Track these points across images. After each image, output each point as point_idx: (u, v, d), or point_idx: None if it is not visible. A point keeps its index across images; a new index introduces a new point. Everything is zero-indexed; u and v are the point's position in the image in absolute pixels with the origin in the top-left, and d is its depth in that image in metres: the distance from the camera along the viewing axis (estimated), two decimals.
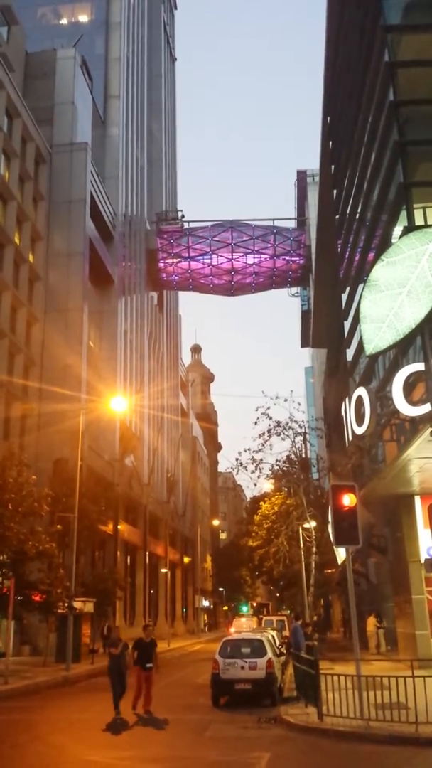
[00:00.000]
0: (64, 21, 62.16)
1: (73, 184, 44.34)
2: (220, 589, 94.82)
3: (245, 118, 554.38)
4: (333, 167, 38.78)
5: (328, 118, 38.93)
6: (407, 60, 24.45)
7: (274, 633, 22.97)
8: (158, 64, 76.95)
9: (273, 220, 62.24)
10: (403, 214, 22.07)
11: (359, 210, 30.56)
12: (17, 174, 38.98)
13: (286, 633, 29.94)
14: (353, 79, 30.56)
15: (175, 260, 62.14)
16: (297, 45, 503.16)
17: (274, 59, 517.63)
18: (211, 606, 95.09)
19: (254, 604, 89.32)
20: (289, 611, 56.26)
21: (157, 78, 75.98)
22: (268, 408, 32.67)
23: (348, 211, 34.12)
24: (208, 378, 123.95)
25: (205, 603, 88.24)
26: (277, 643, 21.05)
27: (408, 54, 24.69)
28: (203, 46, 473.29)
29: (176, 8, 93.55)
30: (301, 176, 63.10)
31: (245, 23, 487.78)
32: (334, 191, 38.77)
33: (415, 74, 24.13)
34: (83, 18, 61.33)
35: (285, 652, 21.33)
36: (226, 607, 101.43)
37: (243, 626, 38.69)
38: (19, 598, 23.64)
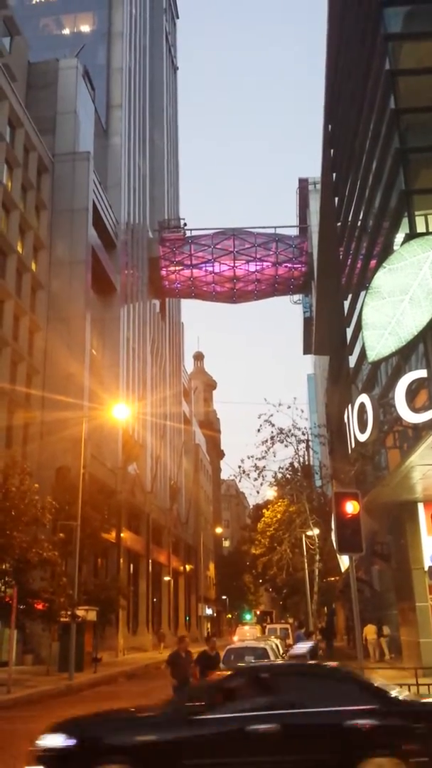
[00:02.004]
0: (66, 31, 62.57)
1: (76, 193, 44.52)
2: (224, 597, 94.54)
3: (247, 126, 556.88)
4: (334, 175, 38.88)
5: (330, 126, 39.08)
6: (408, 68, 24.56)
7: (277, 641, 22.88)
8: (160, 74, 77.38)
9: (275, 227, 62.48)
10: (405, 222, 22.12)
11: (361, 217, 30.62)
12: (20, 183, 39.17)
13: (290, 641, 29.82)
14: (354, 87, 30.68)
15: (177, 268, 62.31)
16: (298, 53, 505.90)
17: (275, 67, 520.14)
18: (215, 614, 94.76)
19: (257, 612, 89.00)
20: (292, 619, 56.06)
21: (158, 87, 76.39)
22: (271, 415, 32.63)
23: (350, 219, 34.19)
24: (211, 385, 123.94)
25: (208, 611, 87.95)
26: (281, 651, 20.97)
27: (409, 62, 24.80)
28: (205, 54, 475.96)
29: (178, 17, 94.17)
30: (303, 184, 63.27)
31: (246, 31, 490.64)
32: (336, 199, 38.86)
33: (416, 82, 24.22)
34: (85, 28, 61.72)
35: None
36: (229, 615, 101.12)
37: (246, 634, 38.49)
38: (21, 607, 23.58)
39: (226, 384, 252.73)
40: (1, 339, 35.11)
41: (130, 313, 54.48)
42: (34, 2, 63.43)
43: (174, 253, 62.07)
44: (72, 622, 26.24)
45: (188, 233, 62.92)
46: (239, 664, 16.11)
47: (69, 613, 26.30)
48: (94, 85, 52.67)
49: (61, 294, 41.97)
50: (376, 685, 7.80)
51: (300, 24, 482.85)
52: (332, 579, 36.61)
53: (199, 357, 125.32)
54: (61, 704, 19.72)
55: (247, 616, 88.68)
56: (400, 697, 7.59)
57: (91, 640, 31.28)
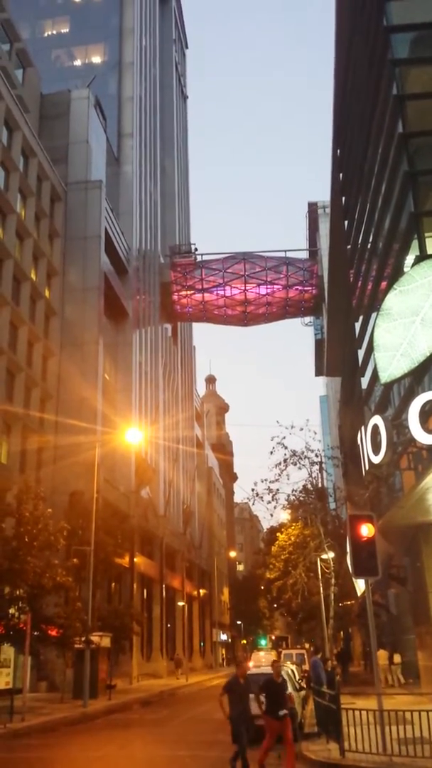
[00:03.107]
0: (77, 62, 63.81)
1: (88, 220, 45.13)
2: (238, 622, 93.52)
3: (256, 151, 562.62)
4: (344, 198, 39.18)
5: (338, 150, 39.46)
6: (415, 92, 24.83)
7: (293, 667, 22.59)
8: (170, 103, 78.62)
9: (285, 251, 62.84)
10: (415, 243, 22.22)
11: (371, 240, 30.78)
12: (33, 212, 39.77)
13: (306, 667, 29.42)
14: (362, 112, 31.04)
15: (188, 292, 62.75)
16: (306, 79, 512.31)
17: (283, 92, 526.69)
18: (229, 639, 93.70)
19: (273, 638, 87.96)
20: (308, 645, 55.35)
21: (169, 116, 77.58)
22: (284, 437, 32.59)
23: (360, 241, 34.36)
24: (223, 408, 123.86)
25: (223, 637, 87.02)
26: (297, 677, 20.69)
27: (416, 86, 25.08)
28: (214, 81, 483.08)
29: (187, 47, 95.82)
30: (312, 208, 63.75)
31: (255, 59, 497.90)
32: (346, 222, 39.10)
33: (424, 106, 24.47)
34: (96, 59, 62.92)
35: (305, 686, 20.95)
36: (244, 641, 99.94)
37: (262, 660, 38.06)
38: (35, 633, 23.49)
39: (238, 407, 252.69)
40: (15, 365, 35.41)
41: (143, 338, 54.82)
42: (45, 35, 64.86)
43: (185, 278, 62.55)
44: (86, 648, 26.07)
45: (199, 258, 63.50)
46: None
47: (83, 639, 26.14)
48: (105, 115, 53.61)
49: (74, 320, 42.39)
50: None
51: (307, 50, 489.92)
52: (348, 603, 36.22)
53: (211, 380, 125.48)
54: (76, 732, 19.55)
55: (262, 642, 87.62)
56: None
57: (106, 666, 31.06)
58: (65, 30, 64.73)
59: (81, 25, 63.47)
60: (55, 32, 65.05)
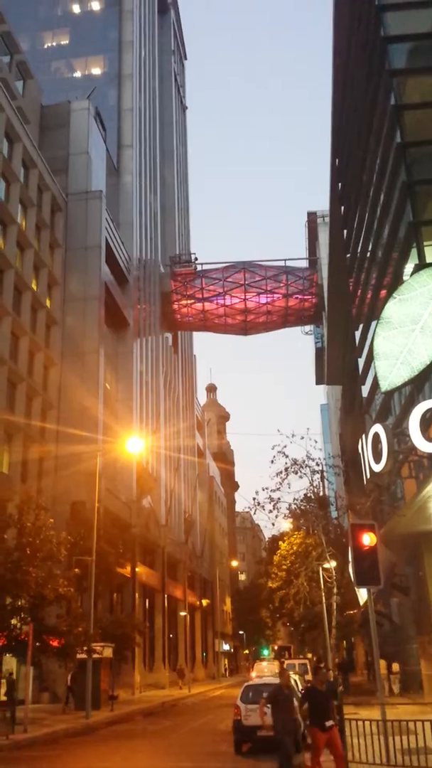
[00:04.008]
0: (77, 74, 64.21)
1: (89, 230, 45.30)
2: (241, 632, 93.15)
3: (255, 161, 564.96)
4: (343, 207, 39.34)
5: (337, 160, 39.65)
6: (413, 102, 25.00)
7: (296, 677, 22.48)
8: (169, 113, 79.06)
9: (285, 260, 62.95)
10: (414, 252, 22.31)
11: (370, 249, 30.89)
12: (34, 222, 39.93)
13: (309, 677, 29.29)
14: (360, 122, 31.21)
15: (189, 301, 62.89)
16: (304, 89, 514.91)
17: (282, 102, 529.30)
18: (232, 650, 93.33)
19: (275, 647, 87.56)
20: (311, 654, 55.10)
21: (168, 127, 77.99)
22: (285, 446, 32.59)
23: (359, 250, 34.49)
24: (224, 417, 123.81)
25: (226, 647, 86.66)
26: (300, 687, 20.60)
27: (414, 96, 25.25)
28: (213, 92, 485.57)
29: (186, 59, 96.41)
30: (312, 217, 63.94)
31: (253, 69, 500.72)
32: (345, 231, 39.25)
33: (421, 116, 24.62)
34: (96, 71, 63.32)
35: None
36: (246, 651, 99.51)
37: (264, 670, 37.87)
38: (37, 644, 23.44)
39: (239, 415, 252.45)
40: (16, 374, 35.47)
41: (143, 347, 54.91)
42: (46, 47, 65.30)
43: (185, 287, 62.70)
44: (88, 658, 25.98)
45: (199, 267, 63.65)
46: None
47: (85, 649, 26.06)
48: (105, 126, 53.91)
49: (75, 329, 42.49)
50: None
51: (306, 60, 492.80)
52: (351, 612, 36.12)
53: (211, 389, 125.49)
54: (79, 744, 19.48)
55: (265, 652, 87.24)
56: None
57: (108, 677, 30.95)
58: (65, 42, 65.20)
59: (81, 38, 63.91)
60: (55, 44, 65.50)
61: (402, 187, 23.58)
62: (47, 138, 47.54)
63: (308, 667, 34.59)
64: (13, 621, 23.34)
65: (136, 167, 58.56)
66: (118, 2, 63.63)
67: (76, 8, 65.64)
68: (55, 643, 25.40)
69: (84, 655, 26.21)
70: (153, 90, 70.65)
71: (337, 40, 33.19)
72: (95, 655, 27.03)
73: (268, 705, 12.16)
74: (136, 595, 43.33)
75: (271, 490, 32.38)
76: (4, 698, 23.71)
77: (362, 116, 30.55)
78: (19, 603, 23.31)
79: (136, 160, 58.81)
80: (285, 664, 37.62)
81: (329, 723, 11.42)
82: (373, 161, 28.54)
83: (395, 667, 28.90)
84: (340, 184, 39.84)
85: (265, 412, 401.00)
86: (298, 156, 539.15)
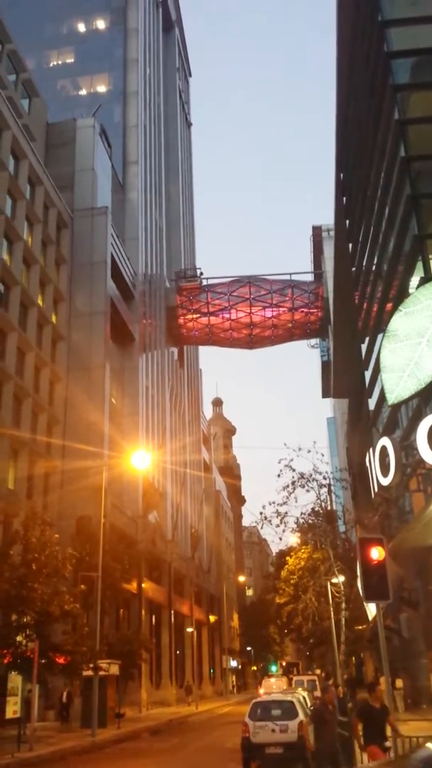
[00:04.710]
0: (83, 92, 64.86)
1: (95, 246, 45.54)
2: (248, 648, 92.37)
3: (259, 175, 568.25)
4: (348, 221, 39.43)
5: (341, 174, 39.80)
6: (417, 117, 25.11)
7: (305, 693, 22.25)
8: (174, 130, 79.69)
9: (290, 274, 63.20)
10: (419, 265, 22.32)
11: (375, 262, 30.92)
12: (40, 239, 40.16)
13: (318, 693, 28.98)
14: (365, 136, 31.35)
15: (194, 316, 63.02)
16: (308, 104, 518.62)
17: (286, 119, 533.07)
18: (239, 666, 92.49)
19: (283, 664, 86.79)
20: (319, 670, 54.57)
21: (173, 143, 78.58)
22: (291, 460, 32.45)
23: (364, 264, 34.52)
24: (230, 431, 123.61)
25: (233, 663, 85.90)
26: (309, 704, 20.37)
27: (417, 111, 25.36)
28: (218, 107, 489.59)
29: (190, 75, 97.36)
30: (317, 231, 64.12)
31: (257, 84, 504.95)
32: (350, 245, 39.32)
33: (425, 130, 24.74)
34: (101, 88, 63.93)
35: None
36: (254, 667, 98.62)
37: (272, 687, 37.54)
38: (42, 661, 23.26)
39: (245, 429, 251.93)
40: (22, 390, 35.51)
41: (149, 362, 54.97)
42: (51, 65, 66.03)
43: (191, 302, 62.86)
44: (95, 675, 25.75)
45: (205, 282, 63.82)
46: None
47: (91, 666, 25.84)
48: (110, 143, 54.33)
49: (81, 345, 42.57)
50: None
51: (309, 75, 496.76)
52: (360, 628, 35.80)
53: (217, 403, 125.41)
54: (86, 761, 19.26)
55: (273, 668, 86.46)
56: None
57: (114, 694, 30.65)
58: (70, 60, 65.91)
59: (86, 56, 64.60)
60: (60, 62, 66.21)
61: (407, 200, 23.64)
62: (53, 155, 47.93)
63: (316, 683, 34.27)
64: (19, 638, 23.17)
65: (141, 183, 58.95)
66: (123, 21, 64.31)
67: (81, 27, 66.39)
68: (61, 660, 25.22)
69: (90, 672, 25.99)
70: (158, 107, 71.28)
71: (341, 54, 33.41)
72: (101, 673, 26.79)
73: (311, 723, 11.51)
74: (143, 611, 43.03)
75: (278, 504, 32.24)
76: (14, 715, 23.53)
77: (366, 130, 30.69)
78: (25, 620, 23.15)
79: (141, 177, 59.20)
80: (293, 681, 37.40)
81: (388, 744, 10.59)
82: (378, 175, 28.64)
83: (399, 683, 28.51)
84: (344, 198, 39.97)
85: (271, 425, 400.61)
86: (303, 170, 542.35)
